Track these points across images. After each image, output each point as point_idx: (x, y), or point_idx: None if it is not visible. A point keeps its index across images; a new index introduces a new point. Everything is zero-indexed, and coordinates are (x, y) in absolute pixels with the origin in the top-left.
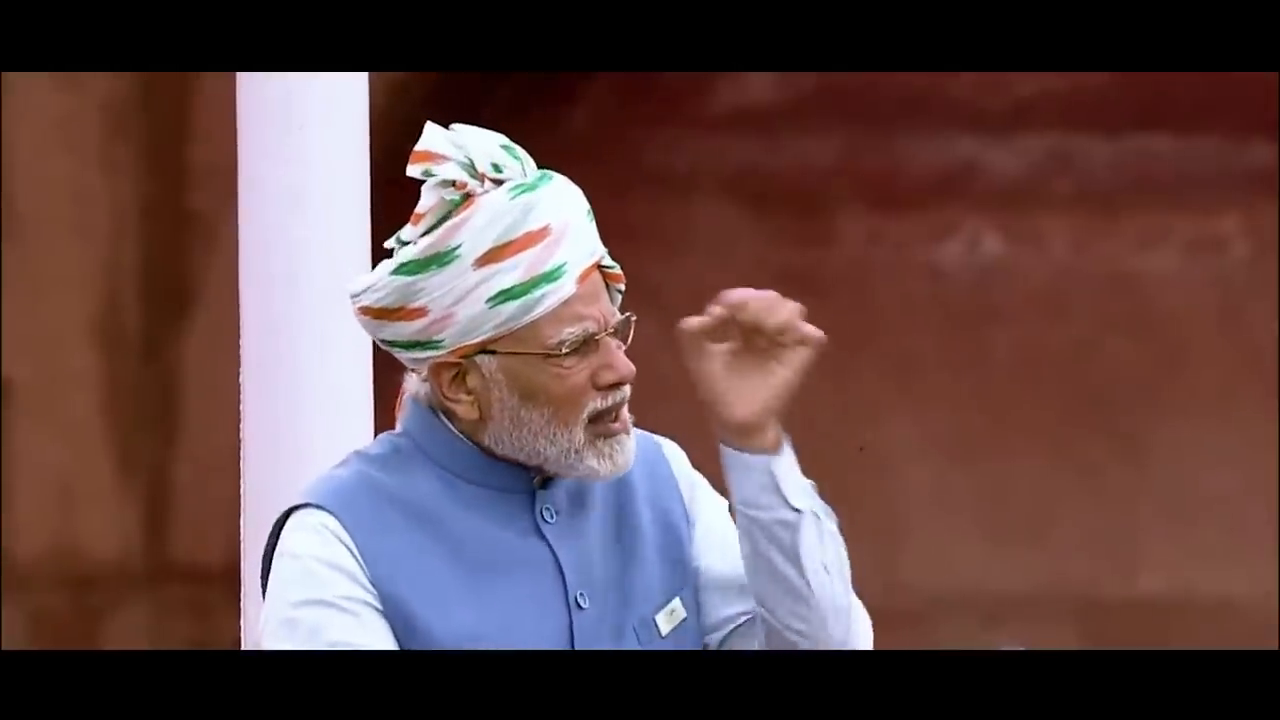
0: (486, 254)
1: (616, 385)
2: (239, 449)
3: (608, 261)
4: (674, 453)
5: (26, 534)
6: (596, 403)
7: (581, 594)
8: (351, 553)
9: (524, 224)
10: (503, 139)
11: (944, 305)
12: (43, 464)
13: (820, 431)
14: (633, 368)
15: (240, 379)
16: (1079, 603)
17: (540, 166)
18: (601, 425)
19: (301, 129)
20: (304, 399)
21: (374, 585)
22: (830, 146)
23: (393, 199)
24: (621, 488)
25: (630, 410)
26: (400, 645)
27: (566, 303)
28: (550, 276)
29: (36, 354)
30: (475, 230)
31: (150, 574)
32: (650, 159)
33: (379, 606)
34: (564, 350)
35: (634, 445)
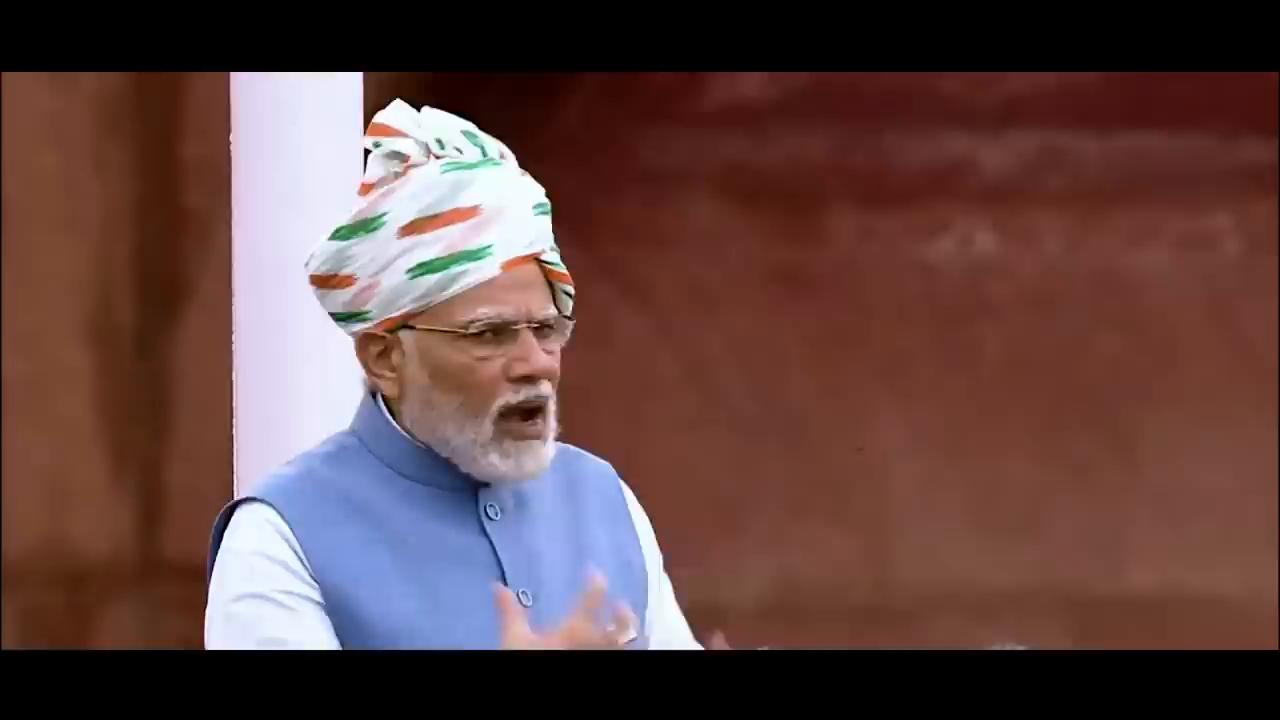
0: (410, 224)
1: (527, 379)
2: (231, 446)
3: (550, 259)
4: (624, 485)
5: (18, 531)
6: (508, 396)
7: (524, 591)
8: (291, 546)
9: (452, 200)
10: (466, 125)
11: (935, 302)
12: (35, 461)
13: (811, 428)
14: (550, 366)
15: (233, 376)
16: (1070, 599)
17: (532, 164)
18: (511, 423)
19: (295, 126)
20: (296, 397)
21: (315, 578)
22: (821, 143)
23: None
24: (573, 501)
25: (617, 407)
26: (341, 637)
27: (487, 285)
28: (473, 255)
29: (29, 351)
30: (402, 199)
31: (142, 571)
32: (641, 157)
33: (319, 600)
34: (470, 330)
35: (549, 453)
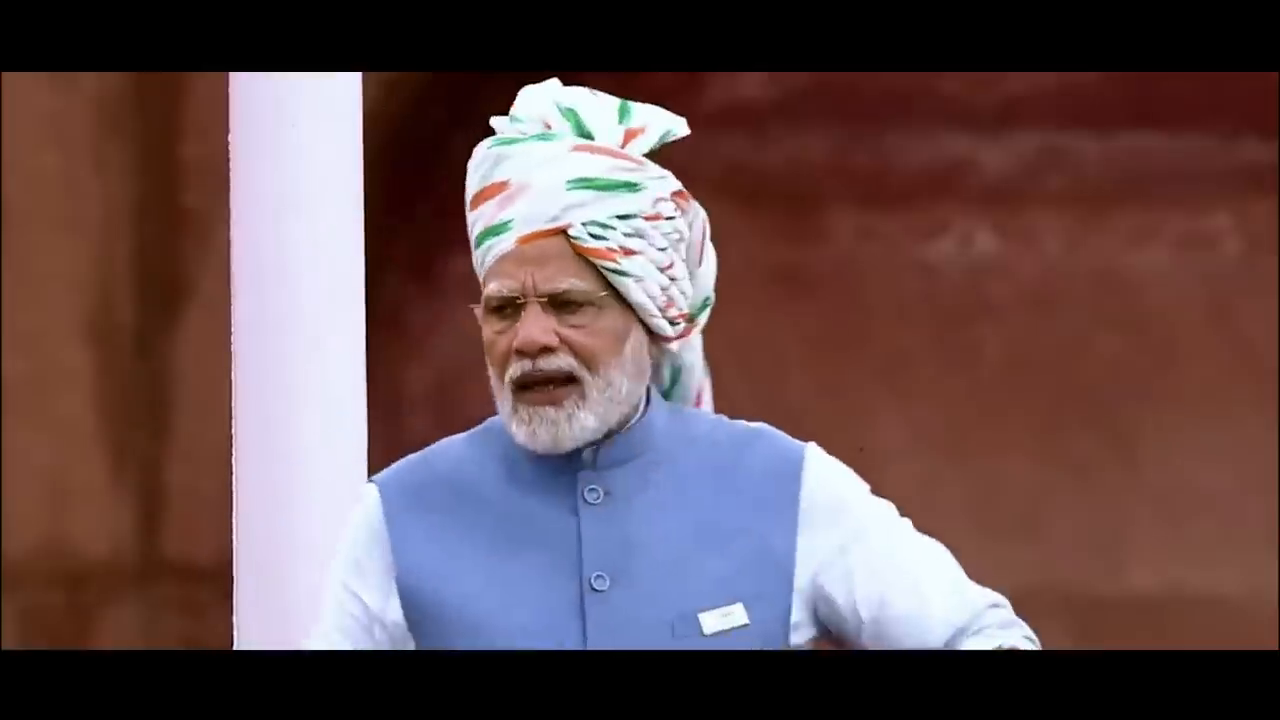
0: (472, 198)
1: (518, 352)
2: (231, 446)
3: (577, 233)
4: (820, 475)
5: (18, 531)
6: (513, 369)
7: (600, 575)
8: (374, 530)
9: (492, 175)
10: (570, 100)
11: (935, 302)
12: (34, 461)
13: (811, 428)
14: (532, 339)
15: (232, 376)
16: (1070, 599)
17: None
18: (526, 392)
19: (294, 126)
20: (296, 397)
21: (394, 553)
22: (821, 144)
23: (386, 196)
24: (725, 484)
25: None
26: (410, 613)
27: (504, 260)
28: (496, 230)
29: (29, 351)
30: (470, 174)
31: (142, 572)
32: None
33: (362, 595)
34: (481, 305)
35: (574, 425)
